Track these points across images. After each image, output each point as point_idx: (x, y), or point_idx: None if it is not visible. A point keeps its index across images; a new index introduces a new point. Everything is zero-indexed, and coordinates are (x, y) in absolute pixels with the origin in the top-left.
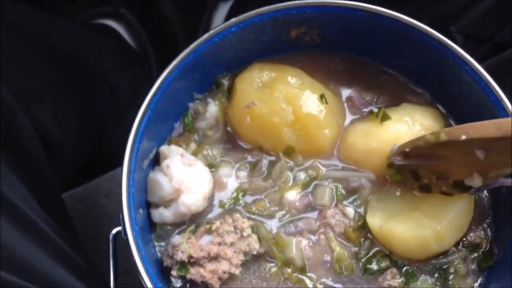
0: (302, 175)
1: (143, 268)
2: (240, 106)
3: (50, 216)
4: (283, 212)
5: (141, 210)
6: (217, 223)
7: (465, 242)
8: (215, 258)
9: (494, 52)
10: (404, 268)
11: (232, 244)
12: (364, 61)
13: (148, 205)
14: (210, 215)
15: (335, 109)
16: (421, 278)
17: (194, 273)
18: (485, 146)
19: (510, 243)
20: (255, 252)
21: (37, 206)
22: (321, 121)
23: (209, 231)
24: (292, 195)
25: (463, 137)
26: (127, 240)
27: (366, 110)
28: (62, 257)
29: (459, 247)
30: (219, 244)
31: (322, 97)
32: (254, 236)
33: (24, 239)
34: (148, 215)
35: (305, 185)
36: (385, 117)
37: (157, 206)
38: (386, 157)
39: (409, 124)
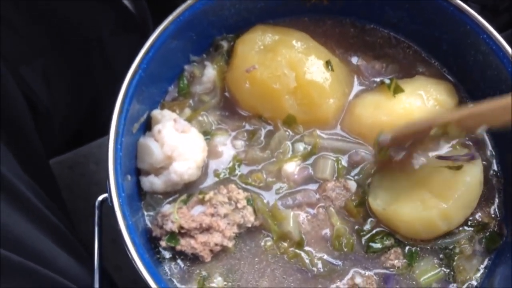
0: (301, 146)
1: (129, 237)
2: (239, 70)
3: (34, 181)
4: (281, 184)
5: (129, 177)
6: (211, 194)
7: (473, 221)
8: (207, 229)
9: (510, 24)
10: (407, 248)
11: (225, 216)
12: (374, 27)
13: (138, 173)
14: (204, 185)
15: (342, 77)
16: (425, 258)
17: (184, 244)
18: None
19: None
20: (249, 225)
21: (19, 170)
22: (325, 90)
23: (202, 202)
24: (291, 167)
25: (483, 128)
26: (113, 207)
27: (374, 80)
28: (44, 224)
29: (465, 227)
30: (212, 215)
31: (328, 63)
32: (249, 208)
33: (4, 204)
34: (138, 183)
35: (305, 157)
36: (398, 89)
37: (147, 173)
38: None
39: (423, 99)
